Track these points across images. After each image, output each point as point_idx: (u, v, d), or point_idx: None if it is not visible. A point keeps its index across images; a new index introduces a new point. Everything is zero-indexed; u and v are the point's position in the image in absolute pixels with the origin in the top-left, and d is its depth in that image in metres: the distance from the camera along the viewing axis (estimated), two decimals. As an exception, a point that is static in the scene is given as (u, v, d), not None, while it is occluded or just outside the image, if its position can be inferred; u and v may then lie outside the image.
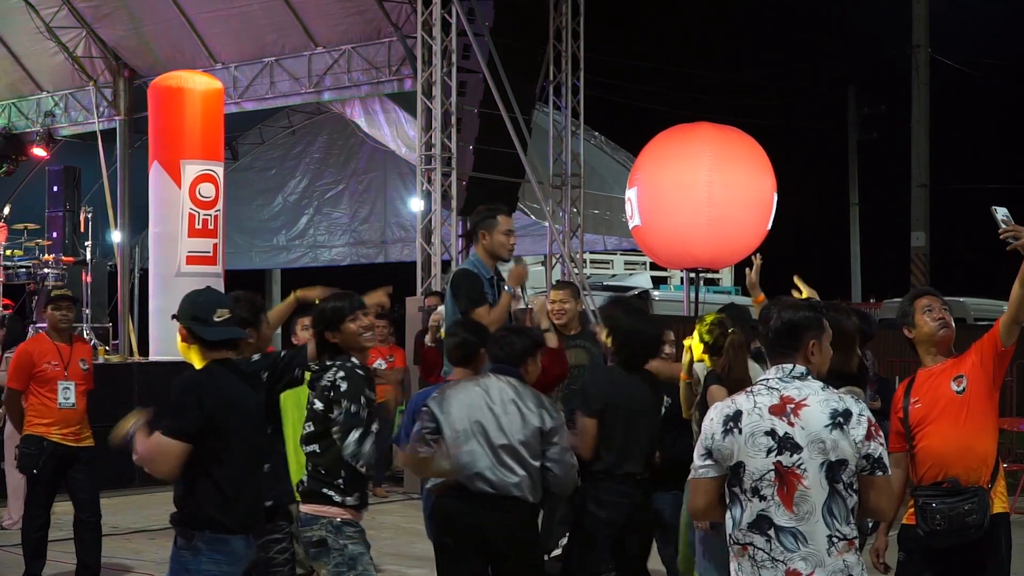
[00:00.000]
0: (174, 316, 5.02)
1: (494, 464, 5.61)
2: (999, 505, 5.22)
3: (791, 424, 3.97)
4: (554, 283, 10.43)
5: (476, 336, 6.27)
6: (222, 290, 14.52)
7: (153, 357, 14.17)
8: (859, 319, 6.14)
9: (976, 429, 5.15)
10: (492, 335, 6.18)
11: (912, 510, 5.18)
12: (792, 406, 3.99)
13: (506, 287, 7.07)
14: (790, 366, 4.07)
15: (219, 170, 14.46)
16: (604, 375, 6.64)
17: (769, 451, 3.96)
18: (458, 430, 5.65)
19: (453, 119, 14.00)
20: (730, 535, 4.04)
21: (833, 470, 3.94)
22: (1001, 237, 5.07)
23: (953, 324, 5.34)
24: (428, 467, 5.78)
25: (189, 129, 14.27)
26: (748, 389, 4.11)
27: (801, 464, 3.94)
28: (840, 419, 3.97)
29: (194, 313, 4.96)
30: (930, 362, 5.34)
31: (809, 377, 4.07)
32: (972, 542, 5.09)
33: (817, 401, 4.00)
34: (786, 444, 3.95)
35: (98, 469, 8.14)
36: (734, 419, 4.01)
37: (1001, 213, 5.11)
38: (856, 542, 4.02)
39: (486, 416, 5.66)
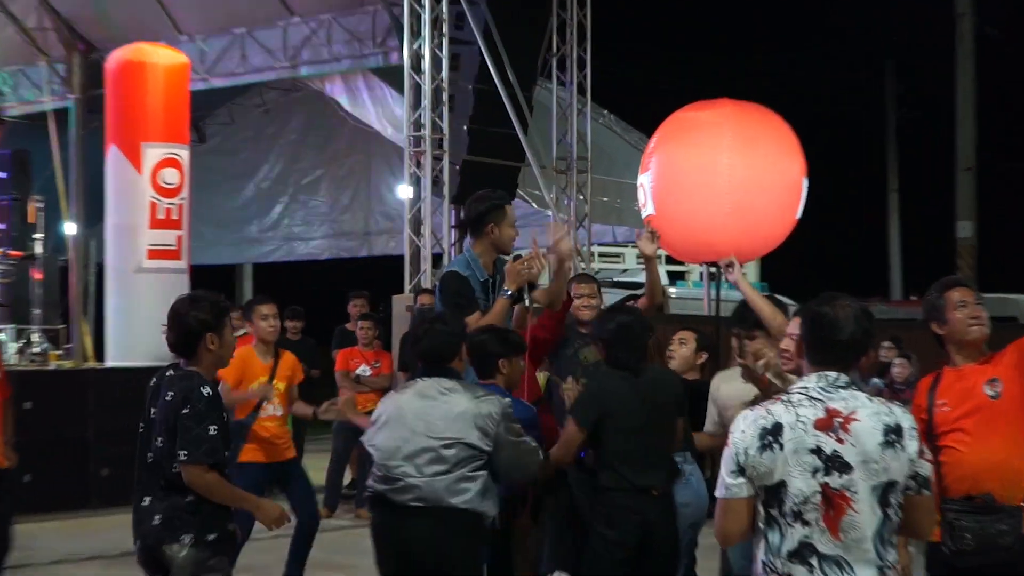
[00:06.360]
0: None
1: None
2: None
3: (840, 441, 3.89)
4: (575, 276, 10.36)
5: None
6: (187, 288, 14.59)
7: (110, 363, 14.12)
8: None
9: (1013, 440, 5.07)
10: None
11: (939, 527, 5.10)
12: (840, 420, 3.91)
13: (503, 291, 6.73)
14: (834, 374, 3.99)
15: (184, 154, 14.42)
16: (602, 382, 6.55)
17: (815, 471, 3.88)
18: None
19: (445, 96, 13.97)
20: (764, 562, 3.95)
21: (886, 493, 3.89)
22: None
23: (988, 322, 5.26)
24: None
25: (151, 108, 14.24)
26: (784, 398, 4.02)
27: (852, 486, 3.86)
28: (893, 436, 3.90)
29: None
30: (960, 361, 5.27)
31: (853, 386, 4.00)
32: (1002, 562, 5.04)
33: (867, 415, 3.92)
34: (834, 463, 3.88)
35: (15, 494, 7.78)
36: (773, 432, 3.92)
37: None
38: (898, 567, 3.98)
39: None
